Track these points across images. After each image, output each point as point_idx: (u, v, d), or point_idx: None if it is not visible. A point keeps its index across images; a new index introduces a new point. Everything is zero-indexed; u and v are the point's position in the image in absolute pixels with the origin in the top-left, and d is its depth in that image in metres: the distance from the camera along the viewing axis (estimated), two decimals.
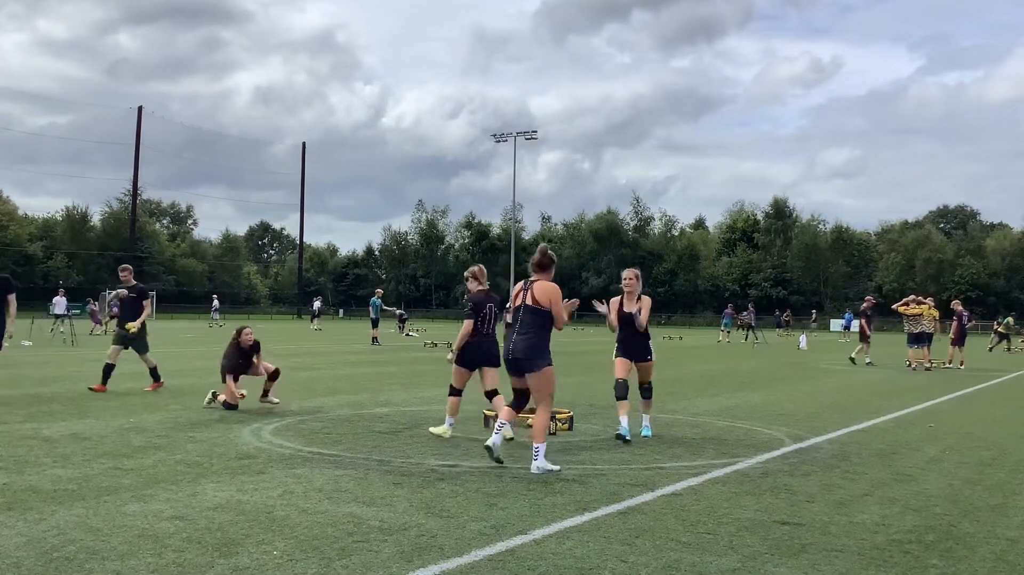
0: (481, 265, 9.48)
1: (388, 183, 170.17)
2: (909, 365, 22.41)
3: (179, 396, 12.16)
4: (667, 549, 4.99)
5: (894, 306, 24.29)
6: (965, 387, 17.10)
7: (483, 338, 8.93)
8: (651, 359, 9.38)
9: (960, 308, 24.83)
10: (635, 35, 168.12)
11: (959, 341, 24.00)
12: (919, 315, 22.60)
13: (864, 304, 25.58)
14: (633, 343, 9.25)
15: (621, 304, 9.22)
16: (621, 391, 9.11)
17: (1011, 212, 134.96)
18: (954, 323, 24.52)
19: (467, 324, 8.86)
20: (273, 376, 11.33)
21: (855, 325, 52.03)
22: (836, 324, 66.27)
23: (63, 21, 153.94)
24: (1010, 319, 37.52)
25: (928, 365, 22.35)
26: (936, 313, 23.02)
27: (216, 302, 60.92)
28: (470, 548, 4.88)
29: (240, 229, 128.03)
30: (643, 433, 9.25)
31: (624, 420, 8.99)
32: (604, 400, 12.12)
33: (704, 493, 6.54)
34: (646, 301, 9.25)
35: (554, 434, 9.19)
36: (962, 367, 23.12)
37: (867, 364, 23.73)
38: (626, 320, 9.18)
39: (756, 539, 5.25)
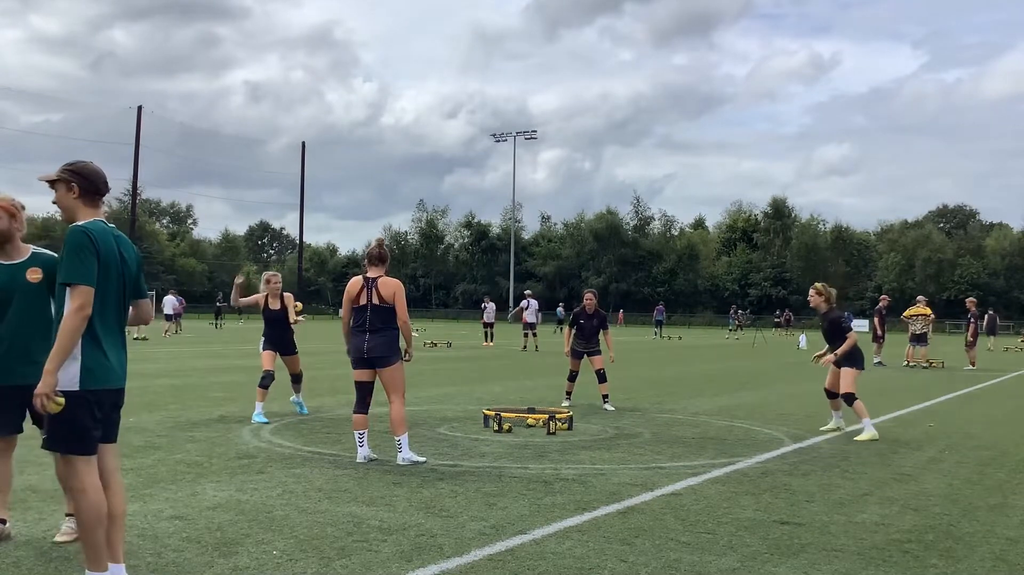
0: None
1: (385, 182, 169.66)
2: (907, 363, 22.56)
3: (179, 396, 12.16)
4: (667, 549, 4.99)
5: (904, 315, 24.14)
6: (965, 387, 17.11)
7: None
8: (295, 352, 10.62)
9: (973, 308, 24.75)
10: (633, 32, 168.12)
11: (974, 342, 23.93)
12: (921, 315, 22.83)
13: (880, 303, 25.00)
14: (274, 335, 10.54)
15: (266, 302, 10.54)
16: (264, 381, 10.11)
17: (1011, 211, 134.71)
18: (971, 324, 24.36)
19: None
20: None
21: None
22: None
23: (56, 17, 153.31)
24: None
25: (925, 364, 22.45)
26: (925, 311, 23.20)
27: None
28: (470, 548, 4.88)
29: (236, 227, 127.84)
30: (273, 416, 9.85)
31: (258, 407, 9.92)
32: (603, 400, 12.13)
33: (703, 493, 6.54)
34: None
35: (553, 434, 9.20)
36: (973, 367, 22.94)
37: (876, 364, 23.62)
38: (267, 317, 10.55)
39: (755, 539, 5.25)
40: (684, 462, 7.84)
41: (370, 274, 7.43)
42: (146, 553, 4.65)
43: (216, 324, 45.38)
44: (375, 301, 7.30)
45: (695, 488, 6.70)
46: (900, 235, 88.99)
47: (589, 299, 12.39)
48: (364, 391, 7.57)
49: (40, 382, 3.74)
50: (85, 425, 3.87)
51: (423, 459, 7.47)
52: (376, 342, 7.32)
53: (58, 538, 4.84)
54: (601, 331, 12.38)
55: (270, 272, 10.88)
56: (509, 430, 9.32)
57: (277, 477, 6.73)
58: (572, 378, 12.44)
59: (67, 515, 4.94)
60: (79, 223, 3.94)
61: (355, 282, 7.45)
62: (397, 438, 7.43)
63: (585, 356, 12.27)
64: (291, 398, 10.95)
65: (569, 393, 12.42)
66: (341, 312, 7.68)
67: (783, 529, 5.50)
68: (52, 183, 4.06)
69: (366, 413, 7.59)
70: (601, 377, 12.05)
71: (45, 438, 3.90)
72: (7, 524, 4.88)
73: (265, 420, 9.71)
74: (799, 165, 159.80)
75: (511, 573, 4.48)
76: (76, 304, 3.78)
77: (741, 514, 5.87)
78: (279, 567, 4.47)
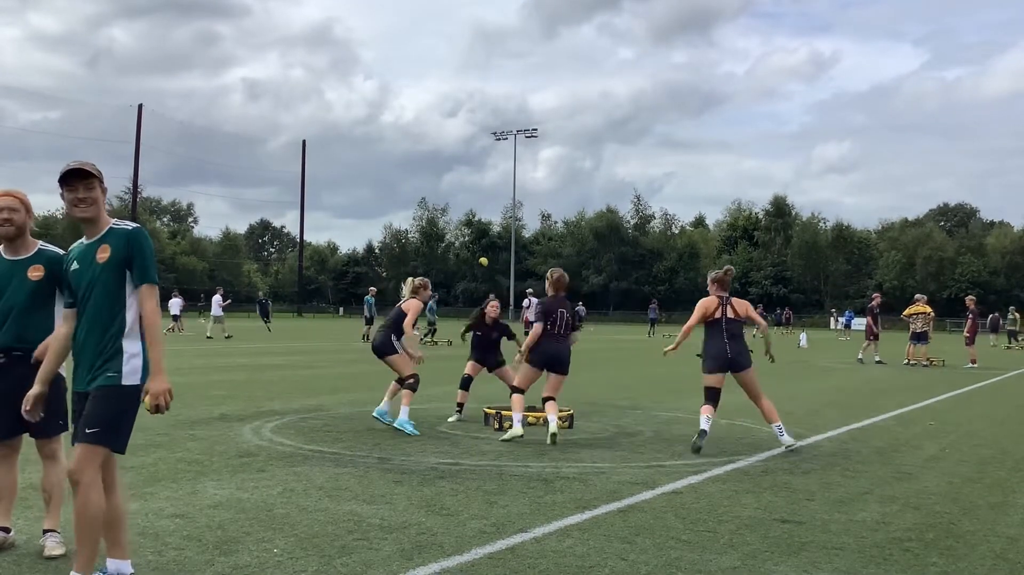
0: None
1: (385, 180, 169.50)
2: (907, 362, 22.55)
3: (179, 394, 12.15)
4: (667, 547, 4.99)
5: (904, 314, 24.14)
6: (965, 385, 17.11)
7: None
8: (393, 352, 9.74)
9: (972, 306, 24.78)
10: (632, 29, 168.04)
11: (972, 339, 23.97)
12: (921, 314, 22.84)
13: (872, 302, 25.27)
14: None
15: None
16: None
17: (1012, 210, 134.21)
18: (968, 321, 24.41)
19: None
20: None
21: (855, 323, 51.23)
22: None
23: (55, 15, 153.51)
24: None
25: (926, 362, 22.47)
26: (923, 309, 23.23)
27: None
28: (470, 546, 4.88)
29: (237, 226, 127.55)
30: None
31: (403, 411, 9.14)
32: (603, 398, 12.13)
33: (704, 491, 6.54)
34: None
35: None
36: (974, 365, 22.89)
37: (876, 362, 23.51)
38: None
39: (756, 537, 5.25)
40: (685, 460, 7.84)
41: (722, 294, 9.00)
42: (147, 551, 4.65)
43: (267, 326, 41.00)
44: (730, 315, 8.87)
45: (696, 486, 6.71)
46: (901, 233, 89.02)
47: (494, 307, 10.67)
48: (715, 395, 8.89)
49: (157, 381, 3.91)
50: (133, 420, 4.03)
51: (797, 442, 8.65)
52: (738, 347, 8.81)
53: (56, 552, 4.55)
54: (505, 339, 10.62)
55: (424, 279, 10.05)
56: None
57: (278, 475, 6.73)
58: (465, 385, 10.36)
59: (47, 531, 4.70)
60: (139, 226, 4.16)
61: (712, 300, 8.95)
62: (773, 424, 8.66)
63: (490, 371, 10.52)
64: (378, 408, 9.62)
65: (461, 405, 10.26)
66: (690, 320, 9.19)
67: (784, 527, 5.51)
68: (90, 177, 4.08)
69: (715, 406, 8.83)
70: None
71: (97, 431, 3.88)
72: (11, 533, 4.74)
73: (414, 430, 8.96)
74: (800, 163, 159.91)
75: (512, 571, 4.48)
76: (155, 302, 4.01)
77: (742, 512, 5.87)
78: (280, 565, 4.47)
